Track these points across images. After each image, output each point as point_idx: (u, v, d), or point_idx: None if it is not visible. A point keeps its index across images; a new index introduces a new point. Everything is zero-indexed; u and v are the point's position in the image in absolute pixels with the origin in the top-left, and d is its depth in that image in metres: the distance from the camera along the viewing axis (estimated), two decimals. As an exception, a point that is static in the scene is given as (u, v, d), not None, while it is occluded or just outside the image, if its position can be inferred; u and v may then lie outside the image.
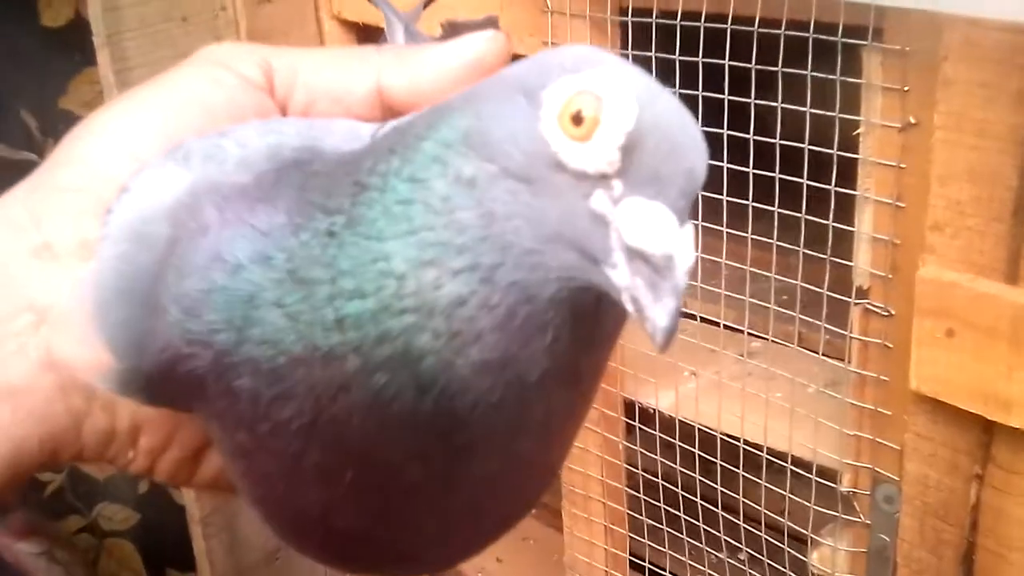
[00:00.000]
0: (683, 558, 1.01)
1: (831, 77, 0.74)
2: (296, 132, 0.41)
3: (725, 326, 0.95)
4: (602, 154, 0.32)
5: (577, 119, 0.32)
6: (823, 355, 0.84)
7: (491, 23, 0.58)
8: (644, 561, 1.06)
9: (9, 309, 0.38)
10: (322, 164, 0.38)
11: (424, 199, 0.33)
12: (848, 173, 0.76)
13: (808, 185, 0.78)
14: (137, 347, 0.37)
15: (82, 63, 1.38)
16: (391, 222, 0.34)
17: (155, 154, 0.40)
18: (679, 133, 0.33)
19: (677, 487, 0.97)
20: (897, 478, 0.78)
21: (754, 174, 0.81)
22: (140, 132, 0.41)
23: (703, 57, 0.81)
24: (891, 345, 0.76)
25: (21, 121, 1.43)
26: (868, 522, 0.82)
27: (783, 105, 0.78)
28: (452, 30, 0.58)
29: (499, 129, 0.33)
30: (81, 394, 0.39)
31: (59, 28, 1.38)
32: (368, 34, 1.11)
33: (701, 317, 0.93)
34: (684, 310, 0.97)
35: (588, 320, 0.35)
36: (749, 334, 0.92)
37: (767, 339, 0.88)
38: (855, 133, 0.75)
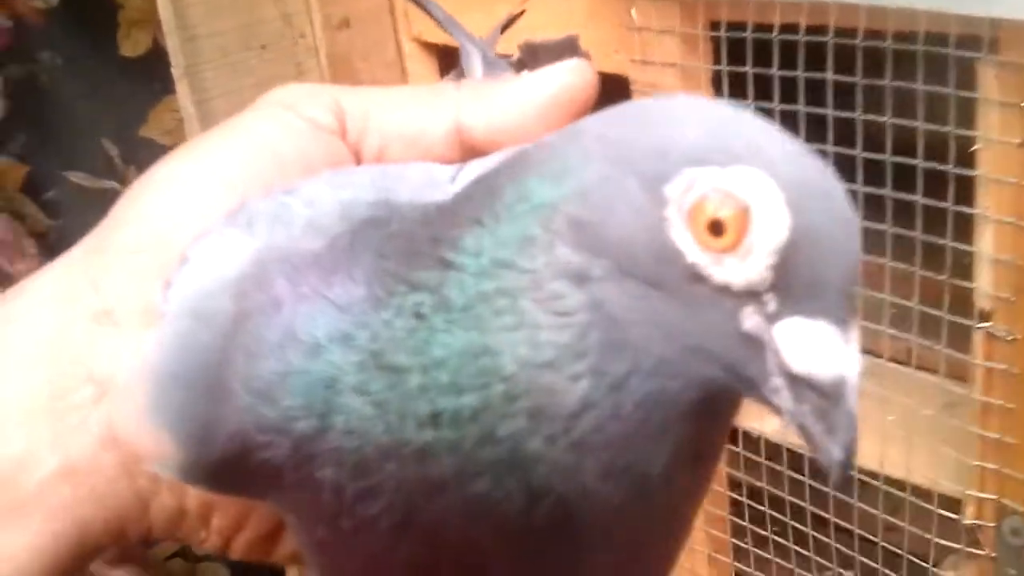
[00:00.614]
0: (793, 587, 0.97)
1: (944, 91, 0.70)
2: (371, 182, 0.37)
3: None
4: (751, 270, 0.28)
5: (717, 228, 0.28)
6: (944, 378, 0.80)
7: (571, 44, 0.55)
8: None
9: (70, 381, 0.36)
10: (400, 223, 0.34)
11: (531, 293, 0.30)
12: (966, 191, 0.72)
13: (923, 204, 0.74)
14: (202, 435, 0.34)
15: (162, 92, 1.38)
16: (495, 314, 0.30)
17: (218, 215, 0.37)
18: (836, 229, 0.29)
19: (786, 515, 0.93)
20: (1025, 510, 0.75)
21: (864, 192, 0.77)
22: (204, 186, 0.39)
23: (804, 71, 0.77)
24: (1017, 371, 0.73)
25: (103, 150, 1.44)
26: (993, 555, 0.78)
27: (893, 120, 0.74)
28: (530, 53, 0.55)
29: (615, 224, 0.29)
30: (146, 473, 0.36)
31: (138, 57, 1.38)
32: (449, 55, 1.09)
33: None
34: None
35: (712, 406, 0.31)
36: (864, 353, 0.88)
37: (882, 360, 0.84)
38: (971, 150, 0.71)
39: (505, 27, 0.65)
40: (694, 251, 0.28)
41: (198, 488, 0.37)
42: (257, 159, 0.40)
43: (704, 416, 0.31)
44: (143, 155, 1.44)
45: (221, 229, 0.36)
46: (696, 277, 0.28)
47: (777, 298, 0.28)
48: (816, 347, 0.28)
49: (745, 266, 0.28)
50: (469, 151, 0.42)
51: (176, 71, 1.03)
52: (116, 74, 1.39)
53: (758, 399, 0.29)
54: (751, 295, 0.28)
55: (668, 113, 0.31)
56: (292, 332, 0.32)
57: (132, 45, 1.38)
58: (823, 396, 0.28)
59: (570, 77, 0.42)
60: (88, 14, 1.36)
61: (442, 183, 0.38)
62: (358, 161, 0.42)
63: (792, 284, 0.28)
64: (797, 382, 0.28)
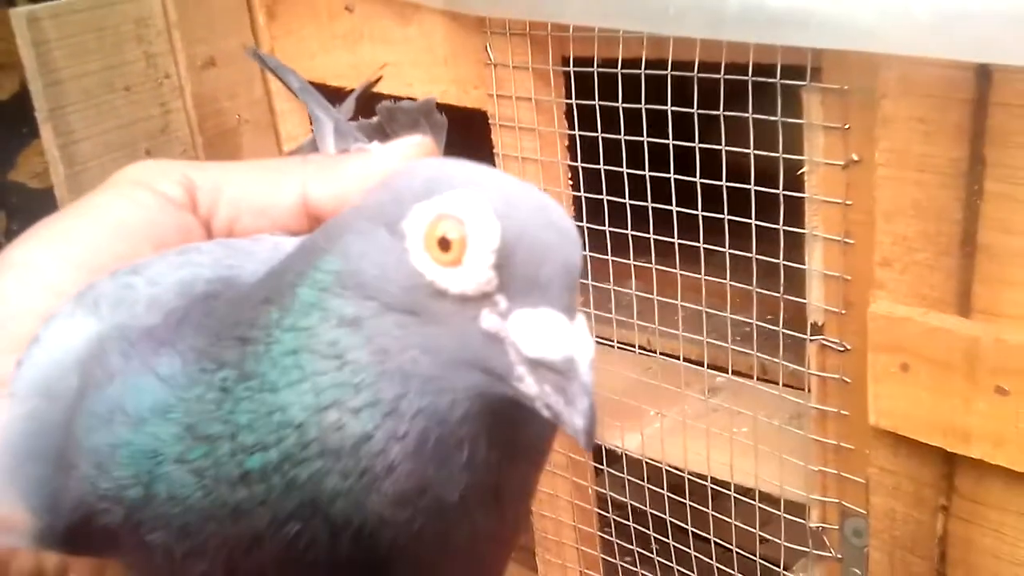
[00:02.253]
0: (659, 598, 1.01)
1: (772, 119, 0.74)
2: (213, 261, 0.40)
3: (686, 360, 0.96)
4: (477, 275, 0.32)
5: (444, 245, 0.32)
6: (784, 387, 0.84)
7: (427, 107, 0.58)
8: (621, 603, 1.06)
9: None
10: (222, 301, 0.37)
11: (311, 346, 0.33)
12: (796, 211, 0.76)
13: (757, 225, 0.78)
14: (50, 504, 0.37)
15: (30, 135, 1.38)
16: (282, 373, 0.33)
17: (68, 294, 0.39)
18: (547, 233, 0.33)
19: (648, 528, 0.97)
20: (864, 512, 0.79)
21: (703, 216, 0.81)
22: (57, 266, 0.41)
23: (646, 104, 0.81)
24: (849, 380, 0.77)
25: (-29, 195, 1.43)
26: (839, 556, 0.82)
27: (727, 148, 0.78)
28: (389, 116, 0.58)
29: (370, 267, 0.33)
30: (2, 535, 0.38)
31: (5, 102, 1.38)
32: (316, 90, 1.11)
33: (661, 352, 0.94)
34: (644, 348, 0.97)
35: (505, 429, 0.35)
36: (710, 368, 0.92)
37: (728, 376, 0.88)
38: (799, 172, 0.75)
39: (360, 95, 0.68)
40: (431, 269, 0.32)
41: (53, 552, 0.39)
42: (109, 237, 0.42)
43: (496, 439, 0.34)
44: (13, 199, 1.44)
45: (69, 310, 0.39)
46: (438, 293, 0.32)
47: (506, 297, 0.32)
48: (545, 333, 0.32)
49: (471, 272, 0.32)
50: (315, 222, 0.45)
51: (40, 115, 1.04)
52: (-17, 118, 1.39)
53: (513, 394, 0.32)
54: (484, 298, 0.32)
55: (405, 174, 0.35)
56: (120, 405, 0.35)
57: (-2, 89, 1.38)
58: (558, 374, 0.31)
59: (412, 152, 0.46)
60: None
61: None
62: (209, 233, 0.44)
63: (515, 281, 0.32)
64: (536, 366, 0.32)
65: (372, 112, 0.61)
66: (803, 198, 0.76)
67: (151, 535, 0.34)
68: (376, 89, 1.01)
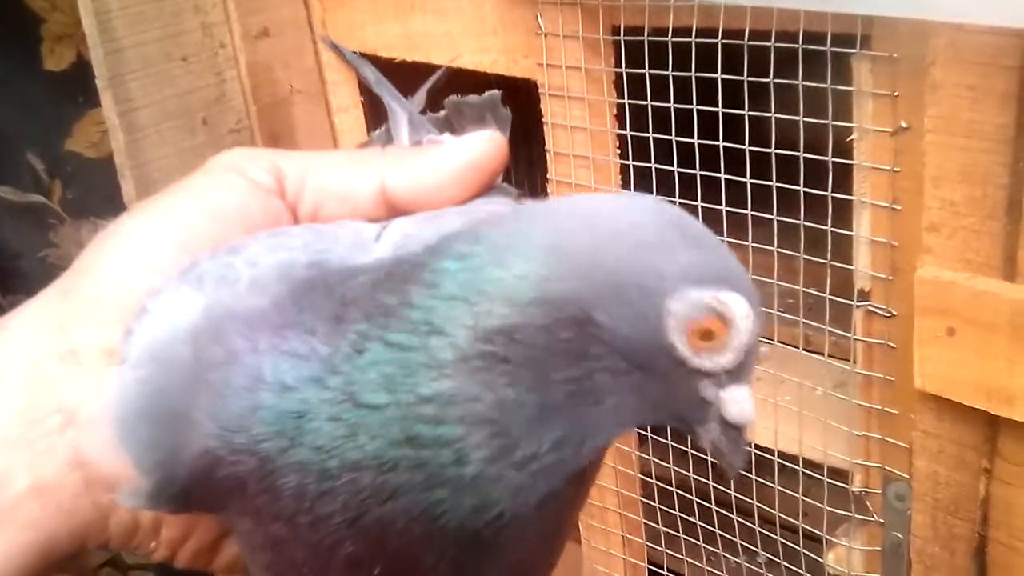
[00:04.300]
0: (701, 564, 1.02)
1: (822, 86, 0.75)
2: (304, 245, 0.43)
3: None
4: (725, 361, 0.38)
5: (706, 335, 0.38)
6: (829, 357, 0.85)
7: (492, 102, 0.61)
8: (663, 569, 1.07)
9: (40, 410, 0.41)
10: (350, 288, 0.40)
11: (524, 355, 0.37)
12: (844, 179, 0.77)
13: (805, 192, 0.79)
14: (165, 460, 0.40)
15: (86, 105, 1.40)
16: (482, 369, 0.36)
17: (169, 270, 0.42)
18: (758, 327, 0.39)
19: (692, 494, 0.98)
20: (907, 476, 0.80)
21: (752, 184, 0.82)
22: (156, 243, 0.44)
23: (696, 72, 0.82)
24: (894, 345, 0.78)
25: (28, 164, 1.45)
26: (881, 520, 0.83)
27: (777, 115, 0.79)
28: (456, 110, 0.61)
29: (619, 320, 0.37)
30: (106, 491, 0.41)
31: (62, 72, 1.40)
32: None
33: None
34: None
35: None
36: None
37: (773, 343, 0.89)
38: (849, 139, 0.76)
39: (432, 88, 0.71)
40: (683, 347, 0.38)
41: (159, 511, 0.42)
42: (203, 218, 0.45)
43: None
44: (69, 169, 1.46)
45: (175, 285, 0.42)
46: (678, 363, 0.38)
47: (727, 375, 0.39)
48: (744, 405, 0.39)
49: (721, 359, 0.38)
50: (393, 210, 0.48)
51: (100, 82, 1.06)
52: (40, 88, 1.40)
53: (688, 432, 0.40)
54: (712, 374, 0.38)
55: (660, 239, 0.39)
56: (259, 376, 0.38)
57: (56, 59, 1.40)
58: (737, 431, 0.40)
59: (484, 146, 0.48)
60: (11, 28, 1.37)
61: (368, 243, 0.44)
62: (295, 218, 0.47)
63: (739, 365, 0.39)
64: (726, 425, 0.39)
65: (439, 106, 0.64)
66: (851, 165, 0.77)
67: (284, 479, 0.37)
68: (426, 60, 1.03)
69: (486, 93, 0.63)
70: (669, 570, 1.07)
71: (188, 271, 0.42)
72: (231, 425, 0.38)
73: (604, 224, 0.39)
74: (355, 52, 1.08)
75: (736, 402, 0.39)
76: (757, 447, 0.90)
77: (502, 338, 0.36)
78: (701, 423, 0.39)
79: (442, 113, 0.63)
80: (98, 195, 1.41)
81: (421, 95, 0.67)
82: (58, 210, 1.46)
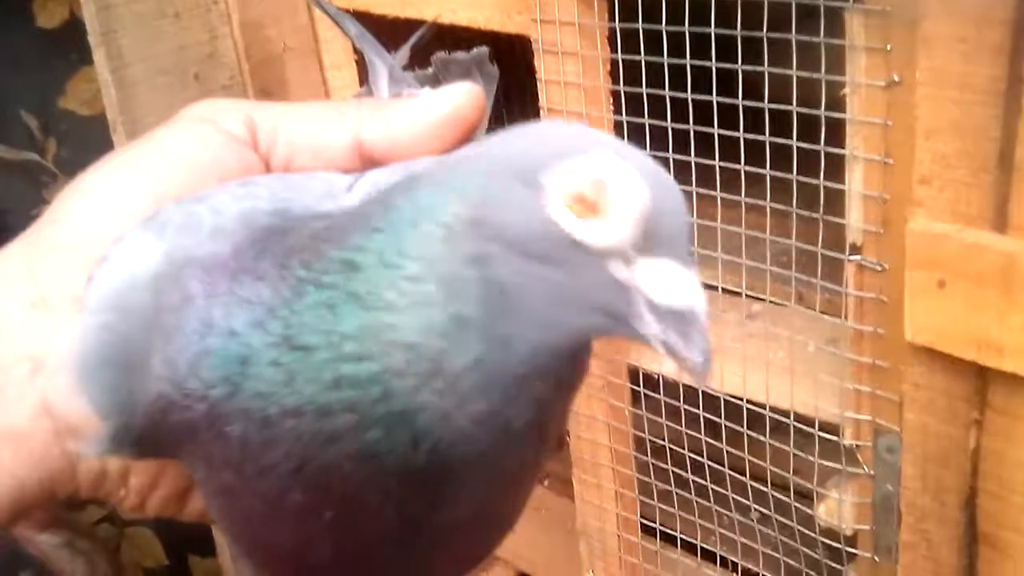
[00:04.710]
0: (694, 519, 1.03)
1: (815, 40, 0.75)
2: (270, 195, 0.43)
3: (724, 290, 0.97)
4: (620, 230, 0.35)
5: (588, 201, 0.35)
6: (821, 312, 0.86)
7: (480, 58, 0.61)
8: (656, 524, 1.08)
9: (9, 358, 0.41)
10: (298, 236, 0.40)
11: (429, 276, 0.36)
12: (837, 133, 0.77)
13: (798, 147, 0.79)
14: (123, 407, 0.40)
15: (79, 62, 1.39)
16: (400, 295, 0.36)
17: (134, 221, 0.42)
18: (671, 193, 0.37)
19: (684, 450, 0.99)
20: (897, 428, 0.80)
21: (745, 139, 0.82)
22: (128, 192, 0.44)
23: (689, 27, 0.82)
24: (886, 299, 0.78)
25: (22, 122, 1.45)
26: (872, 473, 0.84)
27: (770, 70, 0.79)
28: (443, 66, 0.61)
29: (498, 211, 0.36)
30: (72, 438, 0.41)
31: (54, 29, 1.40)
32: (358, 19, 1.12)
33: (701, 281, 0.95)
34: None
35: (565, 370, 0.39)
36: (748, 296, 0.93)
37: (766, 300, 0.89)
38: (841, 93, 0.76)
39: (416, 44, 0.70)
40: (570, 222, 0.35)
41: (120, 456, 0.42)
42: (176, 168, 0.45)
43: (558, 380, 0.38)
44: (63, 126, 1.46)
45: (137, 232, 0.42)
46: (574, 245, 0.36)
47: (635, 250, 0.36)
48: (671, 282, 0.36)
49: (615, 227, 0.35)
50: (368, 162, 0.47)
51: (93, 38, 1.06)
52: (33, 46, 1.40)
53: (630, 334, 0.36)
54: (618, 251, 0.36)
55: (534, 131, 0.39)
56: (209, 321, 0.38)
57: (48, 16, 1.39)
58: (682, 319, 0.36)
59: (460, 98, 0.48)
60: (3, -15, 1.37)
61: (339, 193, 0.44)
62: (268, 169, 0.47)
63: (646, 237, 0.36)
64: (661, 313, 0.36)
65: (428, 64, 0.64)
66: (844, 120, 0.77)
67: (230, 427, 0.38)
68: (419, 16, 1.03)
69: (474, 49, 0.63)
70: (662, 525, 1.08)
71: (151, 219, 0.42)
72: (182, 370, 0.38)
73: (516, 140, 0.39)
74: (347, 9, 1.08)
75: (657, 278, 0.36)
76: (749, 402, 0.90)
77: (415, 265, 0.36)
78: (634, 316, 0.36)
79: (429, 70, 0.63)
80: (92, 153, 1.40)
81: (405, 50, 0.67)
82: (52, 168, 1.46)
